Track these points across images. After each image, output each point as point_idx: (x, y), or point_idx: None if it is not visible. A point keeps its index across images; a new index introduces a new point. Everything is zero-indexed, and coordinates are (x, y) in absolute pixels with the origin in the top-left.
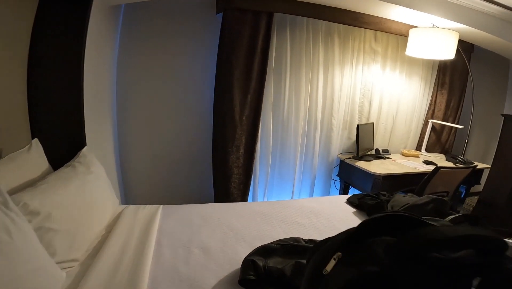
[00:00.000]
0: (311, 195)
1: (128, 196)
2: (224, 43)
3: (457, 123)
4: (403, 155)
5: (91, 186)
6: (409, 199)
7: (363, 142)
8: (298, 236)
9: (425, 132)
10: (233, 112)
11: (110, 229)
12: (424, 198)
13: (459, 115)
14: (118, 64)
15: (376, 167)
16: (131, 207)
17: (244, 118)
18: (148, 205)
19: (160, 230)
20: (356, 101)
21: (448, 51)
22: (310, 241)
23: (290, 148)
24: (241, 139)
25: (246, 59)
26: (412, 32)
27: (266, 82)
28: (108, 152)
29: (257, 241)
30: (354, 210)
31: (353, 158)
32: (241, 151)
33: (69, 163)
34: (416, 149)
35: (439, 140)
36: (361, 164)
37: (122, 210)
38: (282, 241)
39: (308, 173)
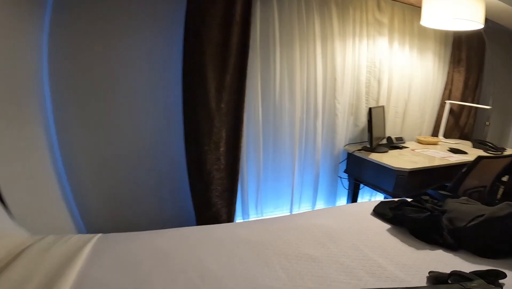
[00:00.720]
0: (314, 198)
1: (86, 219)
2: (191, 12)
3: (477, 104)
4: (420, 142)
5: None
6: (474, 208)
7: (374, 130)
8: (312, 284)
9: (441, 116)
10: (207, 98)
11: None
12: (504, 207)
13: (479, 95)
14: (49, 55)
15: (397, 160)
16: (48, 239)
17: (222, 105)
18: (77, 235)
19: (80, 278)
20: (362, 81)
21: (476, 17)
22: None
23: (286, 141)
24: (220, 134)
25: (221, 31)
26: None
27: (249, 59)
28: (41, 165)
29: None
30: (388, 226)
31: (364, 149)
32: (222, 148)
33: None
34: (432, 135)
35: (457, 124)
36: (376, 157)
37: (30, 245)
38: None
39: (310, 171)
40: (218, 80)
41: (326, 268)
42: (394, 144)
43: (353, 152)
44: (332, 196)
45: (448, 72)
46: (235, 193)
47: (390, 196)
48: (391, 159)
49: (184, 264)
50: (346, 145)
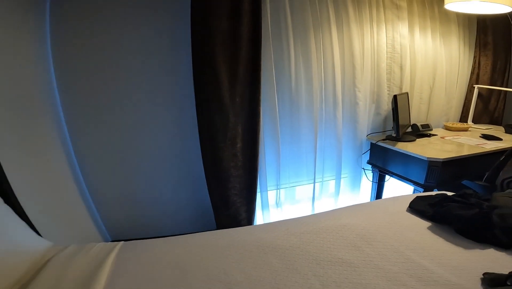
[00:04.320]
0: (337, 193)
1: (109, 225)
2: (197, 2)
3: (506, 87)
4: (448, 129)
5: None
6: None
7: (400, 117)
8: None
9: (470, 101)
10: (220, 92)
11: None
12: None
13: (507, 79)
14: (55, 61)
15: (427, 149)
16: (70, 249)
17: (237, 99)
18: (100, 244)
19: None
20: (382, 67)
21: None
22: None
23: (305, 133)
24: (236, 129)
25: (230, 21)
26: None
27: (262, 49)
28: (58, 173)
29: None
30: (428, 224)
31: (389, 138)
32: (238, 144)
33: None
34: (460, 121)
35: (486, 109)
36: (404, 147)
37: (54, 256)
38: None
39: (331, 164)
40: (230, 72)
41: (365, 274)
42: (420, 132)
43: (377, 142)
44: (356, 189)
45: (475, 57)
46: (254, 191)
47: (421, 188)
48: (421, 148)
49: (209, 276)
50: (369, 134)
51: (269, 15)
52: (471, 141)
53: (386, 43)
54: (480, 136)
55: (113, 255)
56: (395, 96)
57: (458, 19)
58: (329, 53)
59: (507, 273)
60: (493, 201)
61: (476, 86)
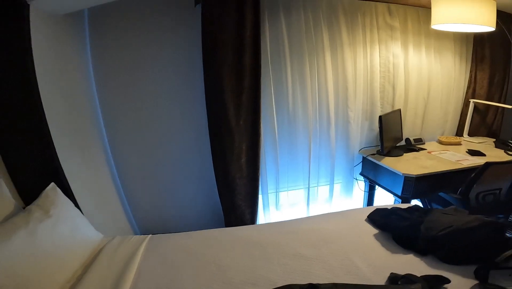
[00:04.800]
0: (330, 199)
1: (138, 219)
2: (207, 39)
3: (504, 102)
4: (441, 143)
5: (45, 233)
6: (450, 219)
7: (389, 133)
8: (298, 277)
9: (466, 114)
10: (227, 116)
11: (86, 269)
12: (472, 220)
13: (506, 92)
14: (95, 77)
15: (407, 165)
16: (116, 240)
17: (241, 122)
18: (135, 236)
19: (139, 270)
20: (376, 86)
21: (486, 21)
22: (311, 287)
23: (301, 149)
24: (241, 147)
25: (235, 54)
26: (435, 1)
27: (262, 77)
28: (102, 177)
29: (246, 287)
30: (376, 231)
31: (378, 153)
32: (243, 159)
33: (29, 206)
34: (457, 134)
35: (484, 122)
36: (387, 162)
37: (105, 245)
38: None
39: (325, 175)
40: (235, 100)
41: (314, 265)
42: (412, 146)
43: (367, 156)
44: (349, 195)
45: (471, 71)
46: (256, 196)
47: (400, 199)
48: (402, 164)
49: (206, 260)
50: (362, 148)
51: (268, 43)
52: (454, 157)
53: (380, 63)
54: (466, 152)
55: (144, 244)
56: (380, 117)
57: (454, 34)
58: (323, 77)
59: (413, 274)
60: (429, 215)
61: (472, 100)
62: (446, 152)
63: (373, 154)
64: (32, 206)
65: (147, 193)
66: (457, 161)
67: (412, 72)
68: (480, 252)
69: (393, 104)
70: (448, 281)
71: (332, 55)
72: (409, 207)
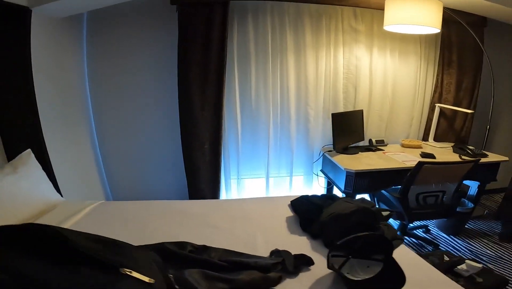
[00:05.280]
0: (290, 190)
1: (114, 191)
2: (181, 39)
3: (474, 108)
4: (403, 146)
5: (8, 184)
6: (342, 206)
7: (346, 132)
8: (204, 242)
9: (432, 119)
10: (193, 107)
11: (34, 220)
12: (351, 206)
13: (476, 99)
14: (88, 71)
15: (355, 162)
16: (72, 202)
17: (204, 113)
18: (90, 201)
19: (70, 226)
20: (339, 87)
21: (433, 23)
22: (203, 248)
23: (262, 142)
24: (204, 135)
25: (203, 52)
26: (388, 3)
27: (230, 74)
28: (84, 151)
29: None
30: (291, 215)
31: (337, 150)
32: (206, 146)
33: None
34: (423, 138)
35: (451, 128)
36: (338, 158)
37: (59, 204)
38: (164, 245)
39: (286, 167)
40: (200, 93)
41: (222, 235)
42: (372, 146)
43: (324, 152)
44: (309, 188)
45: (437, 75)
46: (217, 183)
47: (344, 193)
48: (350, 161)
49: (138, 221)
50: (325, 146)
51: (235, 43)
52: (404, 158)
53: (343, 64)
54: (420, 154)
55: (91, 207)
56: (332, 115)
57: (420, 38)
58: (285, 76)
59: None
60: (335, 203)
61: (437, 105)
62: (401, 153)
63: (330, 151)
64: (7, 164)
65: (125, 172)
66: (403, 161)
67: (376, 74)
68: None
69: (355, 105)
70: (312, 263)
71: (296, 56)
72: (324, 195)
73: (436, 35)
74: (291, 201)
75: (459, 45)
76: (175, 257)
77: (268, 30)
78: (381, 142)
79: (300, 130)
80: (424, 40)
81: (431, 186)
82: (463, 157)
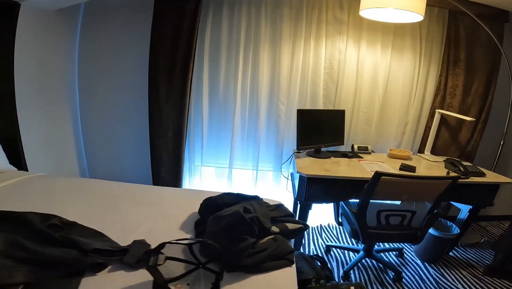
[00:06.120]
0: (254, 183)
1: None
2: (154, 27)
3: (486, 117)
4: (390, 156)
5: None
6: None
7: (320, 133)
8: (99, 217)
9: (430, 128)
10: (158, 96)
11: None
12: (233, 209)
13: (489, 106)
14: (79, 62)
15: (314, 165)
16: (21, 174)
17: (169, 102)
18: (30, 173)
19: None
20: (318, 83)
21: (415, 8)
22: (72, 224)
23: (229, 137)
24: (167, 124)
25: (172, 41)
26: None
27: (200, 65)
28: (65, 129)
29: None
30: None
31: (310, 154)
32: (169, 134)
33: None
34: (419, 150)
35: (455, 140)
36: (300, 160)
37: (5, 172)
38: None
39: (252, 162)
40: (166, 81)
41: (111, 215)
42: (350, 152)
43: (293, 152)
44: (277, 185)
45: (440, 75)
46: (179, 173)
47: (297, 201)
48: (311, 164)
49: (47, 194)
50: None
51: (209, 33)
52: (379, 168)
53: (324, 58)
54: (399, 166)
55: (23, 178)
56: (298, 111)
57: (420, 31)
58: (258, 69)
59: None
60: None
61: (438, 111)
62: (378, 163)
63: (298, 152)
64: None
65: (104, 153)
66: (373, 171)
67: (364, 72)
68: (225, 239)
69: (335, 103)
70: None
71: (271, 48)
72: (239, 194)
73: (437, 30)
74: (205, 198)
75: (469, 41)
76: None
77: (242, 21)
78: (364, 149)
79: (270, 126)
80: (426, 34)
81: (401, 203)
82: (451, 174)
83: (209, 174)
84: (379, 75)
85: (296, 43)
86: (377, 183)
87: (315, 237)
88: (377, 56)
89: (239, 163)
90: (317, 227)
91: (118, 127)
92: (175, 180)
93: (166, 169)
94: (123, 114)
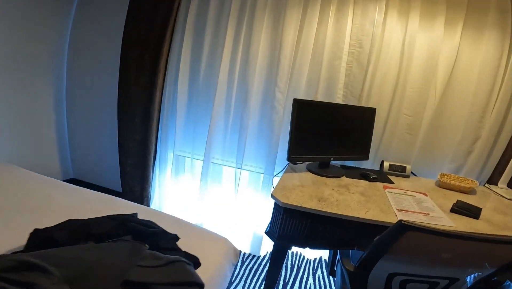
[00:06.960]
0: (234, 182)
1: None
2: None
3: None
4: (441, 184)
5: None
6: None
7: (331, 140)
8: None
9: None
10: (128, 74)
11: None
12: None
13: None
14: (70, 45)
15: (309, 190)
16: None
17: (139, 81)
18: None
19: None
20: (337, 67)
21: None
22: None
23: (206, 123)
24: (134, 107)
25: (146, 20)
26: None
27: (180, 38)
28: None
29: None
30: None
31: (310, 166)
32: (136, 120)
33: None
34: (488, 180)
35: None
36: (289, 175)
37: None
38: None
39: (234, 162)
40: (137, 57)
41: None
42: (376, 172)
43: (288, 163)
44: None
45: None
46: (147, 168)
47: (267, 234)
48: (300, 186)
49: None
50: None
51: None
52: (411, 205)
53: (350, 32)
54: (453, 204)
55: None
56: (294, 101)
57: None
58: (249, 45)
59: None
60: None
61: None
62: (416, 195)
63: (300, 163)
64: None
65: (86, 143)
66: (399, 210)
67: (413, 56)
68: None
69: (359, 97)
70: None
71: (273, 19)
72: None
73: None
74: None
75: None
76: None
77: None
78: (399, 169)
79: (264, 119)
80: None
81: (430, 266)
82: None
83: (183, 167)
84: (439, 63)
85: (308, 12)
86: (399, 238)
87: (305, 274)
88: (437, 35)
89: (218, 157)
90: (314, 260)
91: (104, 114)
92: (141, 175)
93: (133, 162)
94: (109, 100)
